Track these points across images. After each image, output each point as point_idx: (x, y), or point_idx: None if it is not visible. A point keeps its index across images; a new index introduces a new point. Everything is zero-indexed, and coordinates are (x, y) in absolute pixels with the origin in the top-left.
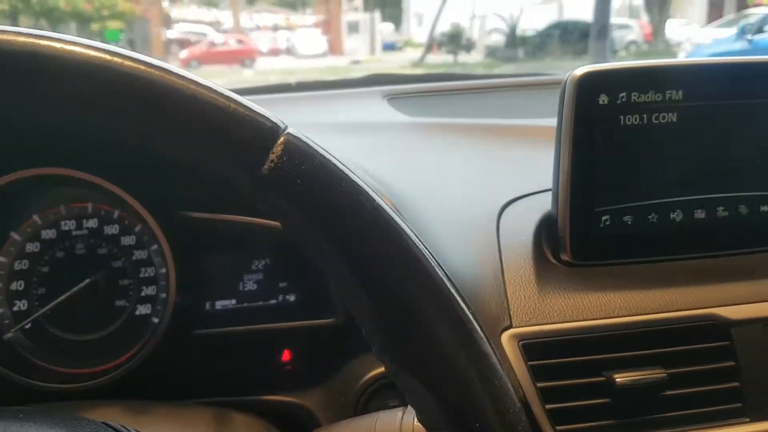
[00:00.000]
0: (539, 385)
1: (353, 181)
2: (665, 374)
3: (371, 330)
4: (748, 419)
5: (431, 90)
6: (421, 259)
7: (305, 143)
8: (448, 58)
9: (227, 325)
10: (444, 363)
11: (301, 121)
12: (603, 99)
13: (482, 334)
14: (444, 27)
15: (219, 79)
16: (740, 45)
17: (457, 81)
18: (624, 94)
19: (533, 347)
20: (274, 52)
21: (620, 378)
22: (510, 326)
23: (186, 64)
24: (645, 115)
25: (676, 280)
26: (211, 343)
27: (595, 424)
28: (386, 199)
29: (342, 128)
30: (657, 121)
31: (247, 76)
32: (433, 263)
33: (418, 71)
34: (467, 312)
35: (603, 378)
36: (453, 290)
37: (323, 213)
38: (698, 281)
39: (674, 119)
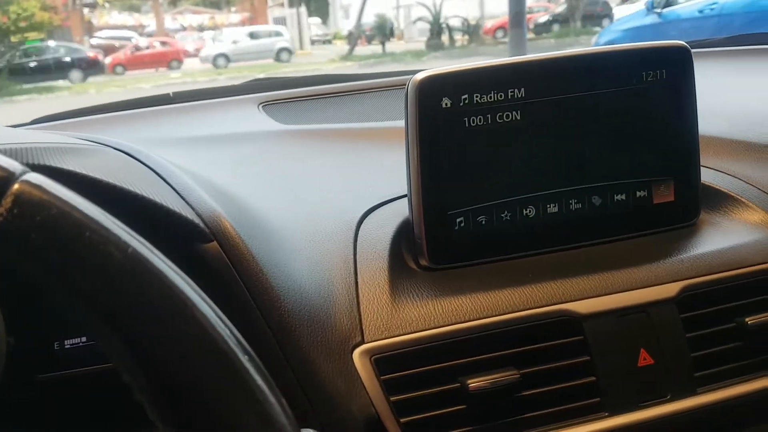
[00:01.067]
0: (393, 399)
1: (101, 229)
2: (518, 375)
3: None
4: (606, 413)
5: (307, 95)
6: (192, 308)
7: (43, 190)
8: (377, 48)
9: (78, 366)
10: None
11: (173, 134)
12: (446, 102)
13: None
14: (370, 18)
15: (145, 83)
16: (650, 19)
17: (339, 83)
18: (466, 95)
19: (385, 361)
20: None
21: (474, 383)
22: (362, 342)
23: (111, 70)
24: (489, 116)
25: (528, 277)
26: (61, 385)
27: None
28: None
29: (212, 140)
30: (501, 120)
31: (174, 78)
32: (209, 310)
33: (348, 64)
34: (251, 371)
35: (457, 384)
36: (234, 345)
37: (65, 268)
38: (549, 277)
39: (518, 117)
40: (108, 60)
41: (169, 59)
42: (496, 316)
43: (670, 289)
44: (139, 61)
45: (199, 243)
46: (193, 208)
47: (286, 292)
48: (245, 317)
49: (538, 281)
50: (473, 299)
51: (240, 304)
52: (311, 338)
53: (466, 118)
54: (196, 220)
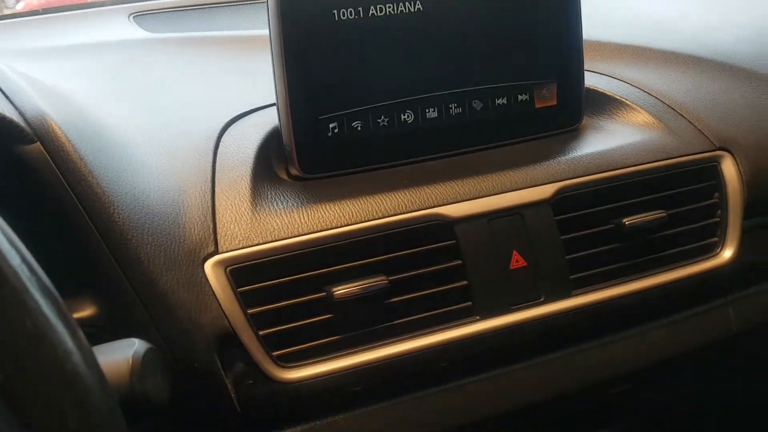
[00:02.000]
0: (251, 311)
1: None
2: (387, 281)
3: None
4: (478, 317)
5: (179, 5)
6: None
7: None
8: None
9: None
10: None
11: (36, 44)
12: None
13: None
14: None
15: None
16: None
17: None
18: None
19: (243, 272)
20: None
21: (339, 291)
22: (215, 252)
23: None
24: (361, 8)
25: (401, 184)
26: None
27: (316, 343)
28: None
29: (76, 50)
30: (375, 14)
31: None
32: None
33: None
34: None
35: (323, 294)
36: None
37: None
38: (422, 183)
39: (393, 10)
40: (21, 6)
41: None
42: (363, 222)
43: (545, 191)
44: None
45: (20, 144)
46: (17, 108)
47: (122, 198)
48: (73, 222)
49: (410, 187)
50: (341, 206)
51: (67, 209)
52: (152, 248)
53: (335, 11)
54: (18, 119)
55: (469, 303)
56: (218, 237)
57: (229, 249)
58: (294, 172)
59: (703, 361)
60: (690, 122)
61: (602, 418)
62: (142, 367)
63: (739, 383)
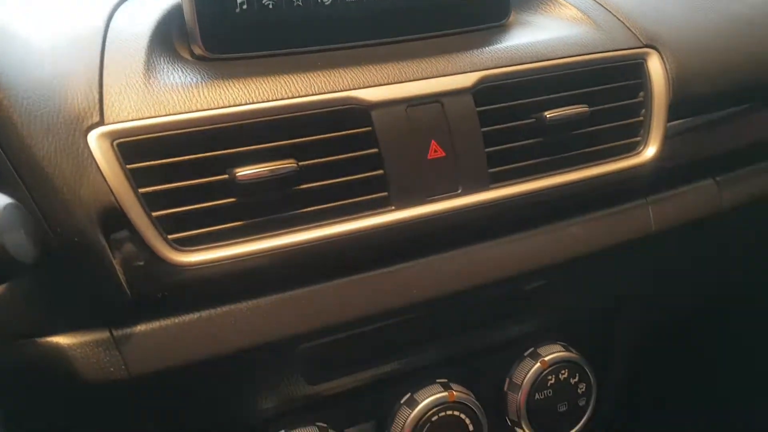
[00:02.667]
0: (142, 190)
1: None
2: (296, 166)
3: None
4: (394, 207)
5: None
6: None
7: None
8: None
9: None
10: None
11: None
12: None
13: None
14: None
15: None
16: None
17: None
18: None
19: (133, 148)
20: None
21: (243, 173)
22: (100, 123)
23: None
24: None
25: (315, 66)
26: None
27: (217, 227)
28: None
29: None
30: None
31: None
32: None
33: None
34: None
35: (225, 176)
36: None
37: None
38: (338, 66)
39: None
40: None
41: None
42: (271, 101)
43: (467, 79)
44: None
45: None
46: None
47: None
48: None
49: (324, 69)
50: (247, 84)
51: None
52: (27, 111)
53: None
54: None
55: (385, 193)
56: (104, 108)
57: (116, 121)
58: (197, 51)
59: (621, 259)
60: (618, 19)
61: (516, 315)
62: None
63: (654, 282)
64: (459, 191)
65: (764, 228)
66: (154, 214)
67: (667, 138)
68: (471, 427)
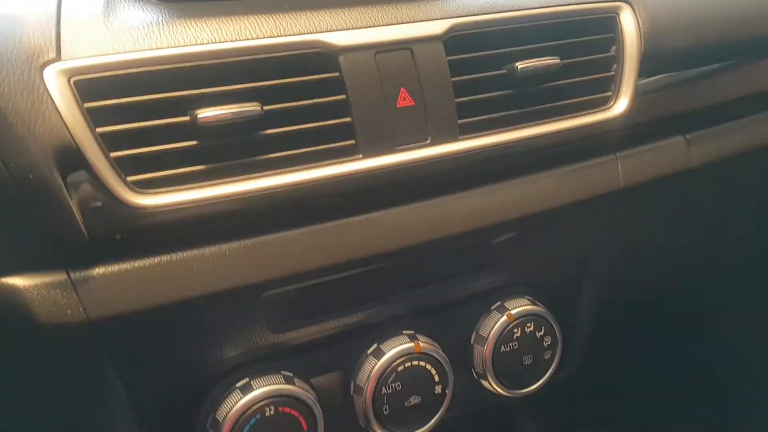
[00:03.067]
0: (100, 130)
1: None
2: (261, 110)
3: None
4: (361, 155)
5: None
6: None
7: None
8: None
9: None
10: None
11: None
12: None
13: None
14: None
15: None
16: None
17: None
18: None
19: (91, 86)
20: None
21: (205, 115)
22: (57, 59)
23: None
24: None
25: (282, 7)
26: None
27: (178, 171)
28: None
29: None
30: None
31: None
32: None
33: None
34: None
35: (186, 118)
36: None
37: None
38: (306, 8)
39: None
40: None
41: None
42: (235, 41)
43: (438, 26)
44: None
45: None
46: None
47: None
48: None
49: (292, 11)
50: (210, 24)
51: None
52: None
53: None
54: None
55: (352, 141)
56: (61, 44)
57: (73, 58)
58: None
59: (589, 215)
60: None
61: (484, 269)
62: None
63: (622, 238)
64: (428, 141)
65: (731, 188)
66: (113, 154)
67: (638, 94)
68: (437, 378)
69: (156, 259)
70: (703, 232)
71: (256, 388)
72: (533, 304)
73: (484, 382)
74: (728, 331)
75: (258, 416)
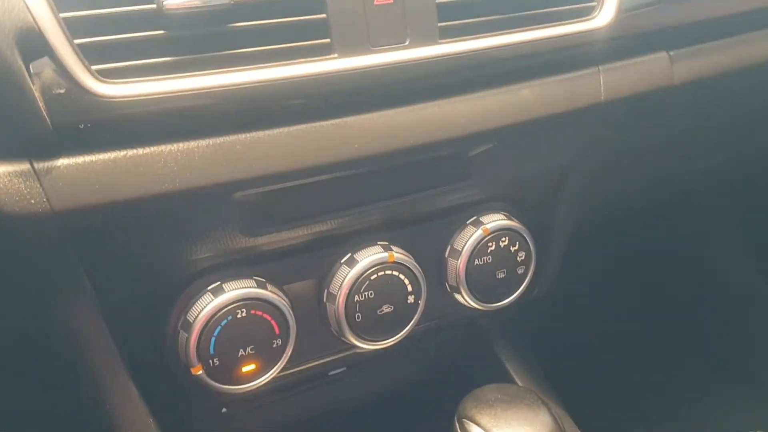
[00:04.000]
0: (63, 15)
1: None
2: (230, 1)
3: None
4: (336, 55)
5: None
6: None
7: None
8: None
9: None
10: None
11: None
12: None
13: None
14: None
15: None
16: None
17: None
18: None
19: None
20: None
21: (172, 3)
22: None
23: None
24: None
25: None
26: None
27: (145, 62)
28: None
29: None
30: None
31: None
32: None
33: None
34: None
35: (152, 6)
36: None
37: None
38: None
39: None
40: None
41: None
42: None
43: None
44: None
45: None
46: None
47: None
48: None
49: None
50: None
51: None
52: None
53: None
54: None
55: (327, 39)
56: None
57: None
58: None
59: (568, 128)
60: None
61: (460, 181)
62: None
63: (600, 155)
64: (406, 43)
65: (712, 109)
66: (76, 41)
67: (624, 8)
68: (410, 288)
69: (122, 153)
70: (681, 153)
71: (228, 291)
72: (509, 219)
73: (458, 296)
74: (701, 256)
75: (229, 318)
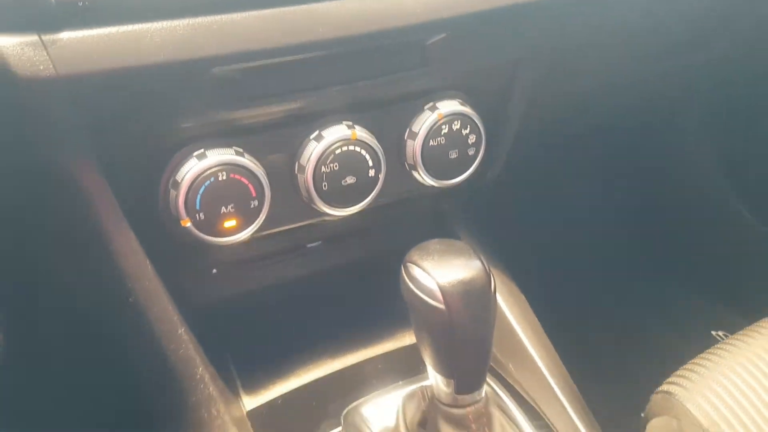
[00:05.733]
0: None
1: None
2: None
3: None
4: None
5: None
6: None
7: None
8: None
9: None
10: None
11: None
12: None
13: None
14: None
15: None
16: None
17: None
18: None
19: None
20: None
21: None
22: None
23: None
24: None
25: None
26: None
27: None
28: None
29: None
30: None
31: None
32: None
33: None
34: None
35: None
36: None
37: None
38: None
39: None
40: None
41: None
42: None
43: None
44: None
45: None
46: None
47: None
48: None
49: None
50: None
51: None
52: None
53: None
54: None
55: None
56: None
57: None
58: None
59: (523, 18)
60: None
61: (419, 68)
62: None
63: (553, 47)
64: None
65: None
66: None
67: None
68: (370, 163)
69: (115, 29)
70: (638, 54)
71: (210, 157)
72: (462, 105)
73: (415, 174)
74: (662, 154)
75: (212, 179)
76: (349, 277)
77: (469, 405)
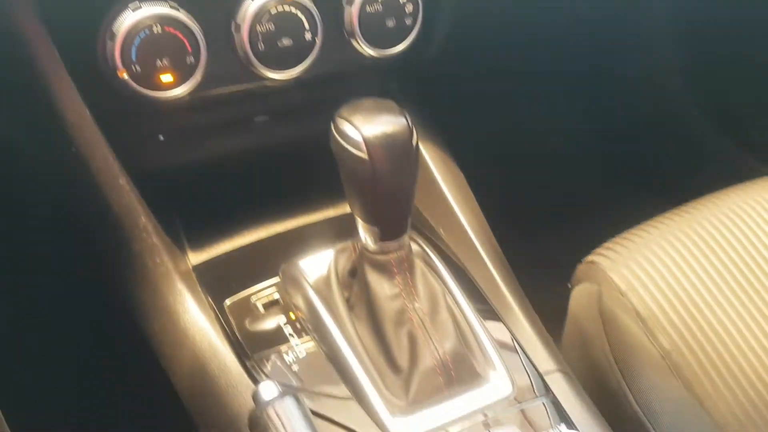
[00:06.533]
0: None
1: None
2: None
3: None
4: None
5: None
6: None
7: None
8: None
9: None
10: None
11: None
12: None
13: None
14: None
15: None
16: None
17: None
18: None
19: None
20: None
21: None
22: None
23: None
24: None
25: None
26: None
27: None
28: None
29: None
30: None
31: None
32: None
33: None
34: None
35: None
36: None
37: None
38: None
39: None
40: None
41: None
42: None
43: None
44: None
45: None
46: None
47: None
48: None
49: None
50: None
51: None
52: None
53: None
54: None
55: None
56: None
57: None
58: None
59: None
60: None
61: None
62: None
63: None
64: None
65: None
66: None
67: None
68: (307, 26)
69: None
70: None
71: (145, 8)
72: None
73: (354, 42)
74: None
75: (146, 31)
76: (297, 152)
77: (392, 252)
